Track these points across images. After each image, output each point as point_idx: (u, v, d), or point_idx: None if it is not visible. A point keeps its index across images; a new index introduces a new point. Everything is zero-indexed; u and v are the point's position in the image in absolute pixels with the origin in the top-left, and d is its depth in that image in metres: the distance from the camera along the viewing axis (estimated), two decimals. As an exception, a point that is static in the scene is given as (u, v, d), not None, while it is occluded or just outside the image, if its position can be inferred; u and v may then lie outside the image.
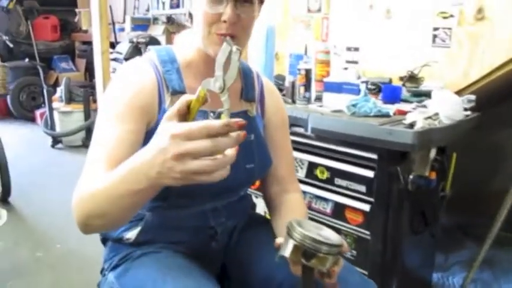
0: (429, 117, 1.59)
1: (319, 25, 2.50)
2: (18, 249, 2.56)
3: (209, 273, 1.01)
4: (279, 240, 0.93)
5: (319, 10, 2.50)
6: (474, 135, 1.78)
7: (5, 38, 3.38)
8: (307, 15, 2.55)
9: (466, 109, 1.73)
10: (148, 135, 0.95)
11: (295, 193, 1.20)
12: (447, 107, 1.64)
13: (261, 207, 1.89)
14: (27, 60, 4.48)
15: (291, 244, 0.83)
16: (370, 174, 1.60)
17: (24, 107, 5.84)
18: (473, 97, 1.78)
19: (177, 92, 0.99)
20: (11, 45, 5.71)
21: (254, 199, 1.89)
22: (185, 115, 0.69)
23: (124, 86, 0.98)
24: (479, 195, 2.44)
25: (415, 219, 1.81)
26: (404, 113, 1.67)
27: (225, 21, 0.94)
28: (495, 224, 1.79)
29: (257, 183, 1.29)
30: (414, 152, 1.59)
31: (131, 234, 1.07)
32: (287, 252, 0.83)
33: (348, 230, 1.72)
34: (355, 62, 2.34)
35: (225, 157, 0.65)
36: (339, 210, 1.73)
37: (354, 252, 1.71)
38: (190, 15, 1.06)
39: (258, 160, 1.10)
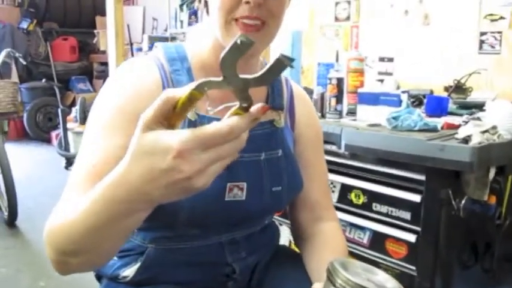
0: (486, 131, 1.35)
1: (348, 34, 2.30)
2: (21, 277, 2.43)
3: None
4: (317, 286, 0.74)
5: (347, 18, 2.30)
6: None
7: (22, 59, 3.31)
8: (335, 25, 2.35)
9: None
10: None
11: (332, 222, 0.99)
12: (506, 120, 1.40)
13: (284, 237, 1.64)
14: (43, 80, 4.43)
15: None
16: (416, 198, 1.36)
17: (40, 128, 5.78)
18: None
19: None
20: (29, 67, 5.69)
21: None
22: (170, 118, 0.51)
23: (117, 89, 0.80)
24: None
25: (465, 251, 1.55)
26: (454, 126, 1.44)
27: (248, 2, 0.75)
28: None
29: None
30: (469, 173, 1.34)
31: (129, 272, 0.89)
32: None
33: (389, 264, 1.46)
34: (390, 74, 2.12)
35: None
36: (378, 241, 1.48)
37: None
38: (206, 2, 0.85)
39: (286, 181, 0.90)
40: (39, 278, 2.36)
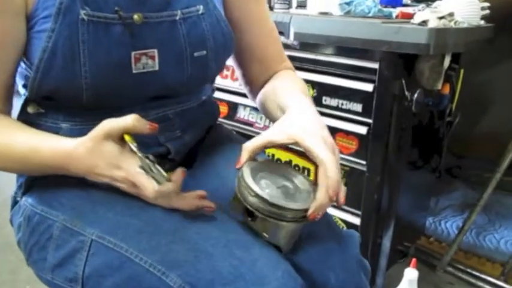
0: (443, 17, 1.26)
1: None
2: None
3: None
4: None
5: None
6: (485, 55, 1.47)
7: None
8: None
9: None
10: (31, 19, 0.67)
11: (288, 70, 0.90)
12: (463, 7, 1.32)
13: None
14: None
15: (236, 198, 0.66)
16: (368, 88, 1.27)
17: None
18: (487, 4, 1.46)
19: None
20: None
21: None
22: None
23: None
24: (470, 134, 2.17)
25: (415, 150, 1.52)
26: (410, 16, 1.34)
27: None
28: (500, 166, 1.53)
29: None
30: (424, 61, 1.27)
31: None
32: (231, 206, 0.67)
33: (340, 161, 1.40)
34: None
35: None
36: (327, 137, 1.39)
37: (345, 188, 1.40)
38: None
39: (212, 43, 0.77)
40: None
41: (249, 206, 0.62)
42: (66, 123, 0.73)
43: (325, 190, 0.61)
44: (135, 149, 0.64)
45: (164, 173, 0.63)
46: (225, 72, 1.68)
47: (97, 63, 0.67)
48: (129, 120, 0.63)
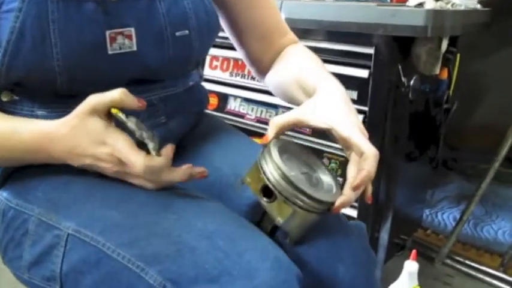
0: (439, 0, 1.22)
1: None
2: None
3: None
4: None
5: None
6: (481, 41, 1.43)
7: None
8: None
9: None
10: None
11: (296, 45, 0.86)
12: (460, -11, 1.28)
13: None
14: None
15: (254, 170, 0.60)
16: (364, 74, 1.23)
17: None
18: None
19: None
20: None
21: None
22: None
23: None
24: (465, 125, 2.13)
25: (411, 140, 1.47)
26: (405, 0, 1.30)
27: None
28: (499, 155, 1.49)
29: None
30: (420, 45, 1.22)
31: None
32: (245, 180, 0.61)
33: (333, 151, 1.35)
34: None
35: None
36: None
37: (340, 180, 1.35)
38: None
39: (195, 22, 0.72)
40: None
41: (271, 186, 0.57)
42: (42, 110, 0.68)
43: (356, 186, 0.58)
44: (123, 117, 0.59)
45: (157, 142, 0.59)
46: (214, 62, 1.63)
47: (69, 43, 0.62)
48: (116, 94, 0.58)
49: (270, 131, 0.62)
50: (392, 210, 1.38)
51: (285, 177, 0.56)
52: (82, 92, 0.67)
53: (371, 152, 0.59)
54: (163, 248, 0.55)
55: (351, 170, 0.60)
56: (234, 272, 0.52)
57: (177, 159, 0.80)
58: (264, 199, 0.58)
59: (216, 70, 1.60)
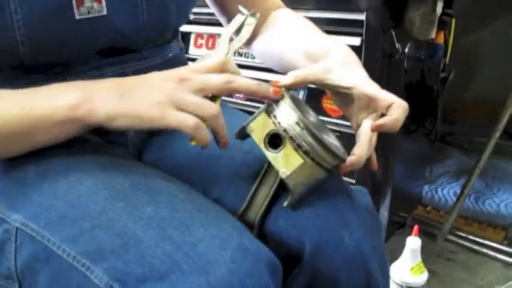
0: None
1: None
2: None
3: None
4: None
5: None
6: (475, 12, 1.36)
7: None
8: None
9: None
10: None
11: (284, 9, 0.79)
12: None
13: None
14: None
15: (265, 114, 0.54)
16: (355, 42, 1.15)
17: None
18: None
19: None
20: None
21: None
22: None
23: None
24: (461, 99, 2.07)
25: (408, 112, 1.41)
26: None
27: None
28: (499, 124, 1.43)
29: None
30: (413, 10, 1.15)
31: None
32: (249, 128, 0.54)
33: (327, 126, 1.29)
34: None
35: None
36: (313, 100, 1.28)
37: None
38: None
39: None
40: None
41: (282, 131, 0.51)
42: (9, 87, 0.61)
43: (378, 125, 0.56)
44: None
45: None
46: (199, 41, 1.55)
47: (31, 9, 0.54)
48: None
49: (286, 79, 0.57)
50: (391, 187, 1.32)
51: (300, 121, 0.51)
52: (50, 64, 0.61)
53: (401, 102, 0.57)
54: (108, 242, 0.47)
55: (366, 124, 0.57)
56: (186, 267, 0.44)
57: (159, 134, 0.74)
58: (269, 149, 0.52)
59: (202, 48, 1.53)
